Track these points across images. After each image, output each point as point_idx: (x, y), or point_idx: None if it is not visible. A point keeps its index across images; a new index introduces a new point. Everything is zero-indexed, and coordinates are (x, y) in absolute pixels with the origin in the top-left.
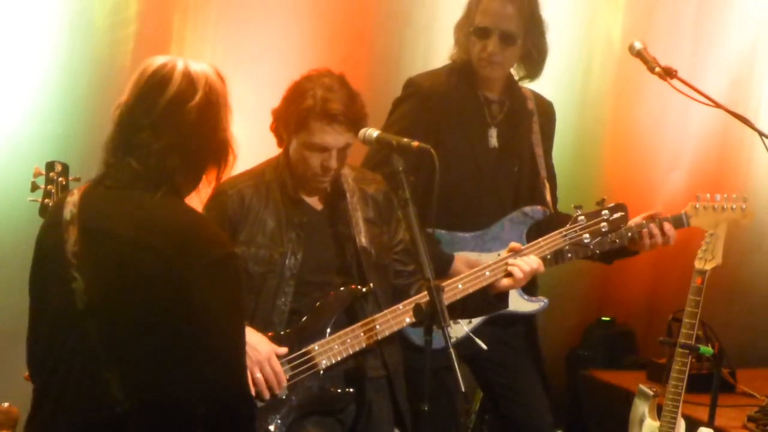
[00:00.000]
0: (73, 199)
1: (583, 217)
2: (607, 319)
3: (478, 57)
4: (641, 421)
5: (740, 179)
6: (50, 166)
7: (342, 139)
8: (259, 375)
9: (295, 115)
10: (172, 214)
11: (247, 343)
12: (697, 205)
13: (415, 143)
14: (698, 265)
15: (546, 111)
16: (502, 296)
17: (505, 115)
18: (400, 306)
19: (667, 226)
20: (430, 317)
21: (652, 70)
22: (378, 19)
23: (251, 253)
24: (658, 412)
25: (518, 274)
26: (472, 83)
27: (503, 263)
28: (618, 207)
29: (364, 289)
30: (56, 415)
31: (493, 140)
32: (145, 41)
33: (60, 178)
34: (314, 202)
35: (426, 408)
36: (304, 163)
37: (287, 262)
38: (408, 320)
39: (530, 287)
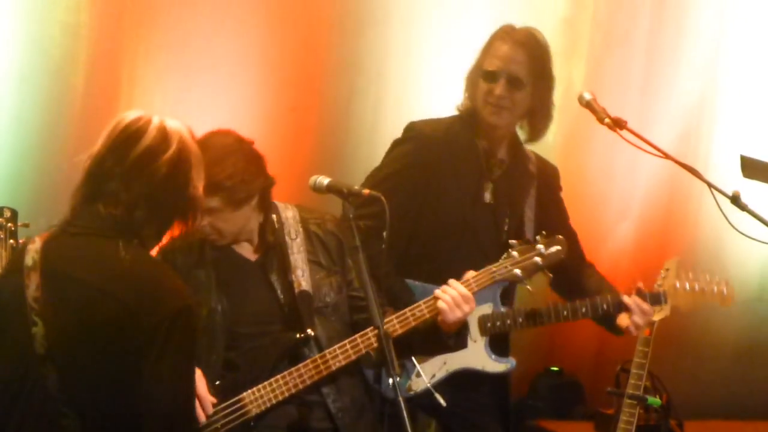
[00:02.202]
0: (35, 246)
1: (515, 253)
2: (555, 369)
3: (484, 101)
4: None
5: (689, 230)
6: None
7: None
8: None
9: None
10: (136, 265)
11: None
12: (677, 285)
13: (366, 191)
14: None
15: (547, 177)
16: (460, 336)
17: (504, 173)
18: (335, 348)
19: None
20: (379, 365)
21: (601, 120)
22: (328, 67)
23: None
24: None
25: (444, 304)
26: (474, 134)
27: (428, 301)
28: (554, 241)
29: (298, 336)
30: None
31: (488, 195)
32: (95, 89)
33: (9, 224)
34: (248, 251)
35: None
36: None
37: (216, 318)
38: (337, 364)
39: (500, 348)
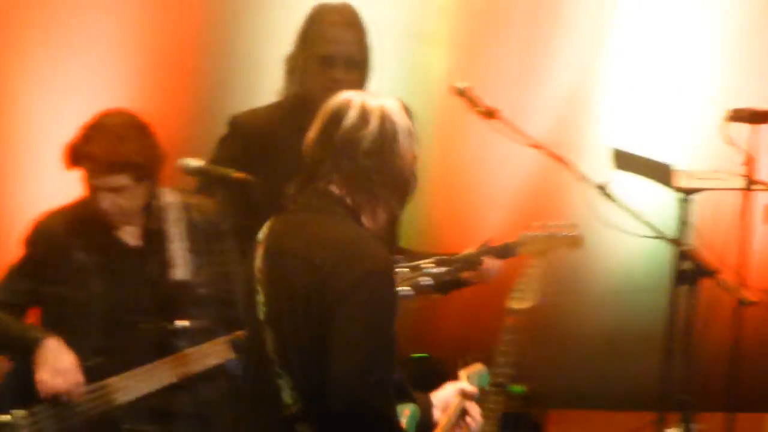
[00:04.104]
0: (269, 222)
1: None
2: (422, 355)
3: (322, 87)
4: None
5: (559, 220)
6: None
7: (108, 182)
8: (60, 381)
9: (68, 155)
10: (336, 232)
11: (53, 355)
12: (529, 234)
13: (235, 174)
14: (512, 304)
15: None
16: None
17: None
18: (207, 345)
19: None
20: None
21: (474, 110)
22: (202, 50)
23: (58, 293)
24: None
25: None
26: (301, 119)
27: None
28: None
29: (173, 327)
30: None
31: None
32: None
33: None
34: (131, 237)
35: None
36: (92, 201)
37: (94, 303)
38: (212, 361)
39: None
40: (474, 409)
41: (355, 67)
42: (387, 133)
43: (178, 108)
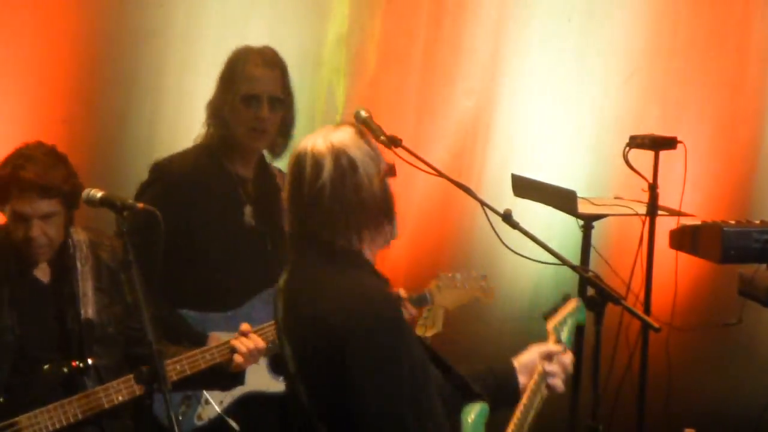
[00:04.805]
0: (285, 272)
1: None
2: None
3: (247, 126)
4: None
5: (462, 247)
6: None
7: (40, 207)
8: None
9: None
10: (338, 285)
11: None
12: (440, 284)
13: (141, 204)
14: (419, 331)
15: None
16: (238, 375)
17: (260, 193)
18: (114, 383)
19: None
20: (151, 381)
21: (377, 138)
22: (102, 80)
23: None
24: None
25: (239, 356)
26: (224, 162)
27: (221, 347)
28: None
29: (81, 364)
30: None
31: (248, 218)
32: None
33: None
34: (42, 273)
35: None
36: (14, 233)
37: (6, 337)
38: (120, 398)
39: (283, 367)
40: (557, 369)
41: (278, 104)
42: (344, 170)
43: (79, 139)
